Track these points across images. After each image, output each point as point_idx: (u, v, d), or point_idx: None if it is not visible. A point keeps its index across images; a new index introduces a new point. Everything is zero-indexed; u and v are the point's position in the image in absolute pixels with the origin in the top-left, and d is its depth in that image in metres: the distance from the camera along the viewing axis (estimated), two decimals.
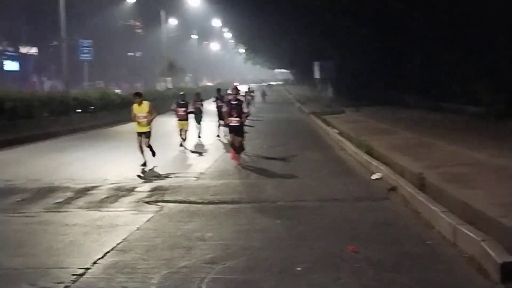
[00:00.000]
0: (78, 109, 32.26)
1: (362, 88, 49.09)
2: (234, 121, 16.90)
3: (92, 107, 34.01)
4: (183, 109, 22.17)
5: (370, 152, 16.16)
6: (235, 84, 22.39)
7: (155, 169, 15.71)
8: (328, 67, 46.11)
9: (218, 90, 26.98)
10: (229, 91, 19.28)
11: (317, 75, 48.86)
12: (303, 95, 66.01)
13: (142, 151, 16.13)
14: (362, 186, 12.55)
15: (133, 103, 16.93)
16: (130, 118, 17.10)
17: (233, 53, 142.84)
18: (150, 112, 16.59)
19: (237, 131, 16.89)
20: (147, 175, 14.80)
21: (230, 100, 17.46)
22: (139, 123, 16.47)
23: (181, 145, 21.52)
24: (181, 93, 24.97)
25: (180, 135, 21.78)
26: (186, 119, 22.05)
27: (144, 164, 15.84)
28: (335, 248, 7.80)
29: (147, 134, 16.53)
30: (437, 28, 31.14)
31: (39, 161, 17.80)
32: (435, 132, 20.98)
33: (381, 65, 42.21)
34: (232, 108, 16.93)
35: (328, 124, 28.20)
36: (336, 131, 24.16)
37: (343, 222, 9.34)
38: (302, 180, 13.67)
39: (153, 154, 16.70)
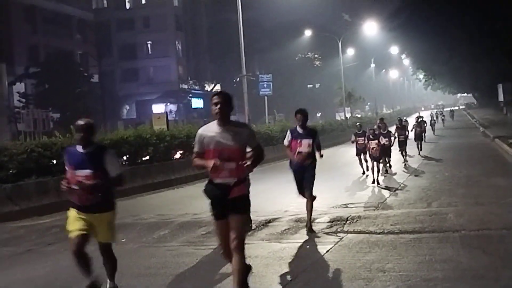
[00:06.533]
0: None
1: None
2: None
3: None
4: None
5: None
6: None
7: (335, 200, 15.72)
8: None
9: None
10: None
11: (501, 97, 46.91)
12: (487, 119, 63.54)
13: None
14: None
15: None
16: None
17: (412, 80, 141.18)
18: None
19: None
20: (327, 206, 14.84)
21: None
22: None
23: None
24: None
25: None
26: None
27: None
28: None
29: None
30: None
31: None
32: None
33: None
34: None
35: None
36: None
37: None
38: (487, 207, 13.07)
39: None
